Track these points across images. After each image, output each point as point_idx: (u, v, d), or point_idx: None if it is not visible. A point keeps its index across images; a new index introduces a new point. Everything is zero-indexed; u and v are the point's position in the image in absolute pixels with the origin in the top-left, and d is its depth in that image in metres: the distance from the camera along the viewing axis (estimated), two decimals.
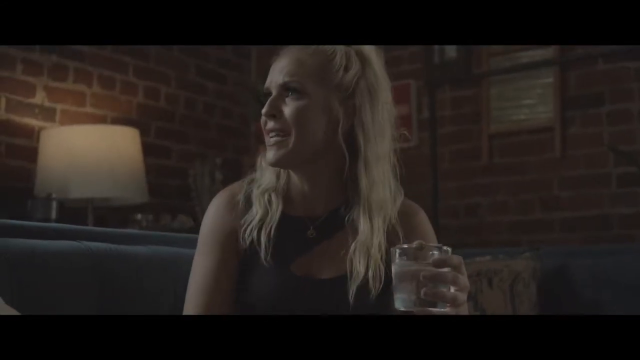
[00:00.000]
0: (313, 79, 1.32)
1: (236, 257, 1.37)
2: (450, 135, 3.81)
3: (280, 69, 1.34)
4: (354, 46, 1.36)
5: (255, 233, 1.35)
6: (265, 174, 1.40)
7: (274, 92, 1.34)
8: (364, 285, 1.30)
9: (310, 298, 1.31)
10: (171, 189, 3.76)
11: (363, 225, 1.33)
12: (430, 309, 1.12)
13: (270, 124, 1.33)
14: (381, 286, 1.30)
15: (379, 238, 1.33)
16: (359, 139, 1.33)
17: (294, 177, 1.39)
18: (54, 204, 2.85)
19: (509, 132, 3.66)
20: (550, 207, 3.52)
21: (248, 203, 1.38)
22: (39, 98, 3.22)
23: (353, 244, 1.32)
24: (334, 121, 1.33)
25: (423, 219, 1.42)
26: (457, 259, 1.14)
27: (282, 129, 1.32)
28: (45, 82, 3.25)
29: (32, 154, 3.11)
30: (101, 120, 3.46)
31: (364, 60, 1.36)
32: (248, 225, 1.36)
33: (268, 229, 1.34)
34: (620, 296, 2.68)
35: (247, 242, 1.35)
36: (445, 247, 1.15)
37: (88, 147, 3.00)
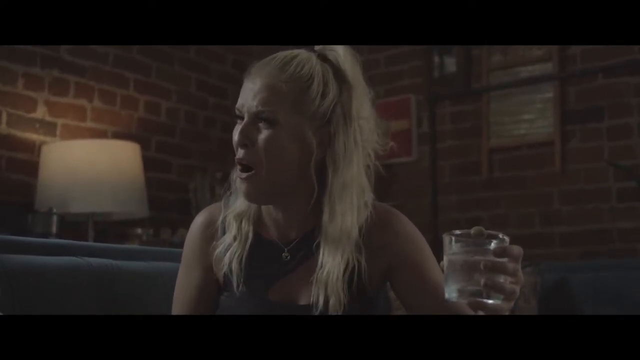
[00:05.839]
0: (287, 109, 1.27)
1: (214, 279, 1.38)
2: (450, 149, 3.82)
3: (254, 93, 1.28)
4: (331, 65, 1.31)
5: (229, 261, 1.34)
6: (239, 198, 1.37)
7: (247, 118, 1.28)
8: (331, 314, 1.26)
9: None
10: (171, 203, 3.76)
11: (322, 256, 1.30)
12: (486, 300, 1.05)
13: (241, 153, 1.28)
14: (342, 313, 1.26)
15: (337, 268, 1.28)
16: (329, 169, 1.29)
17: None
18: (55, 219, 2.86)
19: (509, 146, 3.66)
20: (551, 221, 3.52)
21: (224, 230, 1.38)
22: (40, 113, 3.23)
23: (314, 275, 1.29)
24: (307, 152, 1.29)
25: (400, 226, 1.34)
26: (517, 249, 1.06)
27: (253, 161, 1.27)
28: (46, 97, 3.26)
29: (32, 168, 3.11)
30: (102, 134, 3.47)
31: (341, 82, 1.31)
32: (223, 253, 1.35)
33: (241, 257, 1.34)
34: (621, 311, 2.67)
35: (222, 271, 1.36)
36: (503, 236, 1.07)
37: (89, 161, 3.01)
